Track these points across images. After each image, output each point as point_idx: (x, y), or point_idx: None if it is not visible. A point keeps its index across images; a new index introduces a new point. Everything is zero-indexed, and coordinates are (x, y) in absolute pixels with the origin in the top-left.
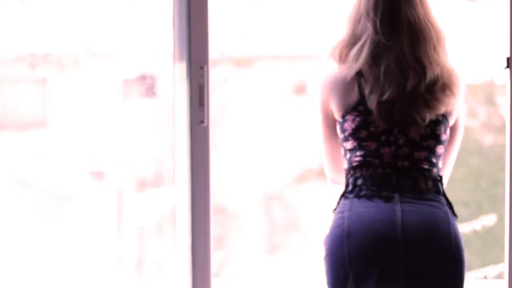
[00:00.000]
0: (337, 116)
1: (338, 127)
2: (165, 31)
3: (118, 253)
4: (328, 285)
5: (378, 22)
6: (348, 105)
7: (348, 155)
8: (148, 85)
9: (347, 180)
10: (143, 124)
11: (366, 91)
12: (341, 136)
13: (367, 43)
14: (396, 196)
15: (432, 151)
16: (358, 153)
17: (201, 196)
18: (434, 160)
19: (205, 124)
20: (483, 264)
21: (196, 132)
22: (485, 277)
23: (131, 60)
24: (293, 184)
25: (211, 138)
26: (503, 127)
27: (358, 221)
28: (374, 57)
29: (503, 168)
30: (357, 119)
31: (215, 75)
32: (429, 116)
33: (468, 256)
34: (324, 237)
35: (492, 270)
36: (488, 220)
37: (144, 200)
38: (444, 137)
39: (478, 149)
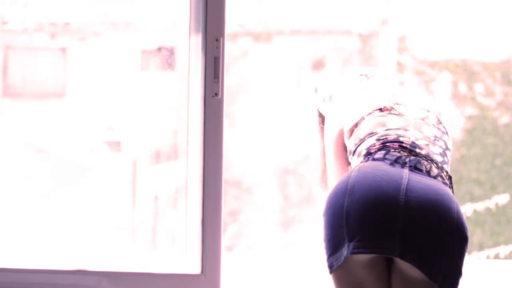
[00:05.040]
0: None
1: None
2: (183, 2)
3: (133, 223)
4: (324, 241)
5: None
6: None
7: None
8: (165, 56)
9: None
10: (160, 96)
11: None
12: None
13: None
14: (406, 167)
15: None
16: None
17: (214, 169)
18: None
19: (219, 96)
20: (496, 244)
21: (210, 105)
22: (497, 256)
23: (150, 31)
24: (308, 159)
25: (229, 111)
26: None
27: (363, 180)
28: None
29: None
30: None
31: (235, 49)
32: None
33: (480, 235)
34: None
35: (504, 249)
36: (501, 199)
37: (159, 171)
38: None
39: (494, 128)
